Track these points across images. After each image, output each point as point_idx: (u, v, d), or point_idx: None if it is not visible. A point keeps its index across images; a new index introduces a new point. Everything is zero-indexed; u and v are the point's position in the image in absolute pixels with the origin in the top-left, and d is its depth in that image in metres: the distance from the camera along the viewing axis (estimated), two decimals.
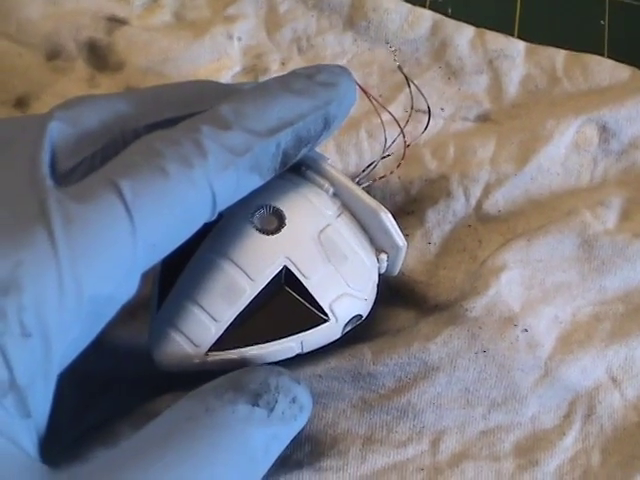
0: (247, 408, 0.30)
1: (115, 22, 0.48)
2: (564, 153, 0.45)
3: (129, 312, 0.40)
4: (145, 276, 0.29)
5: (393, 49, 0.48)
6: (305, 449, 0.38)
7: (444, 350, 0.40)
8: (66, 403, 0.38)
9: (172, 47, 0.47)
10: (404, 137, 0.39)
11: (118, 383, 0.39)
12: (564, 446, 0.39)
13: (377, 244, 0.37)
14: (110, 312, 0.29)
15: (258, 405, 0.30)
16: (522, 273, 0.42)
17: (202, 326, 0.34)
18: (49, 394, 0.28)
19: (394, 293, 0.42)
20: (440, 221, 0.44)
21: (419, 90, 0.41)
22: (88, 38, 0.48)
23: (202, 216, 0.30)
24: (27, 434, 0.27)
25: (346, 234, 0.36)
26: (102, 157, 0.30)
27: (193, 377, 0.33)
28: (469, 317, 0.40)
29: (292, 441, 0.38)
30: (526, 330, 0.40)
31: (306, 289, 0.34)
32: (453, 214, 0.44)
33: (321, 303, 0.35)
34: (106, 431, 0.36)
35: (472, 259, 0.43)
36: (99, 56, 0.48)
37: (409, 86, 0.41)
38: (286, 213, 0.35)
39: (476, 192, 0.44)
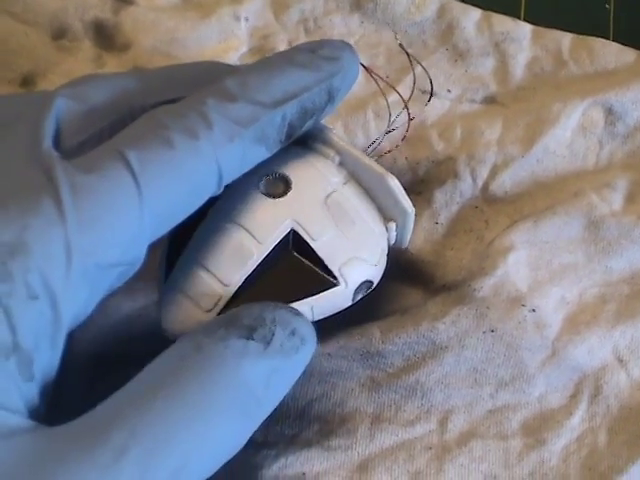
0: (241, 342, 0.29)
1: (122, 2, 0.48)
2: (570, 136, 0.45)
3: (139, 290, 0.40)
4: (152, 248, 0.29)
5: (395, 33, 0.48)
6: (314, 428, 0.38)
7: (452, 329, 0.40)
8: (75, 384, 0.38)
9: (179, 27, 0.47)
10: (408, 110, 0.39)
11: (128, 364, 0.38)
12: (571, 426, 0.39)
13: (385, 213, 0.37)
14: (117, 279, 0.29)
15: (253, 339, 0.29)
16: (529, 254, 0.42)
17: (211, 290, 0.33)
18: (56, 358, 0.27)
19: (402, 272, 0.42)
20: (447, 202, 0.44)
21: (421, 65, 0.41)
22: (95, 18, 0.47)
23: (208, 188, 0.30)
24: (26, 397, 0.26)
25: (353, 201, 0.36)
26: (110, 133, 0.30)
27: None
28: (477, 297, 0.40)
29: (300, 419, 0.38)
30: (534, 310, 0.40)
31: (314, 252, 0.34)
32: (460, 195, 0.44)
33: (330, 266, 0.34)
34: None
35: (479, 240, 0.43)
36: (106, 36, 0.47)
37: (411, 63, 0.40)
38: (292, 179, 0.35)
39: (483, 173, 0.44)
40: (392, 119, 0.39)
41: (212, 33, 0.47)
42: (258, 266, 0.33)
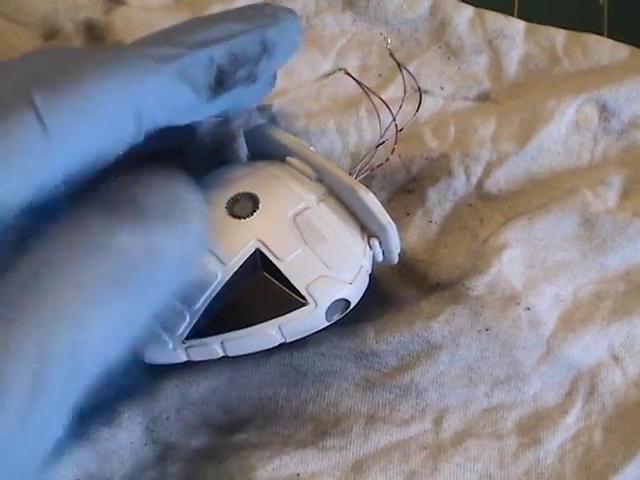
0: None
1: (113, 2, 0.47)
2: (565, 132, 0.45)
3: None
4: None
5: (384, 36, 0.47)
6: (308, 428, 0.38)
7: (447, 328, 0.39)
8: None
9: None
10: (396, 123, 0.38)
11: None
12: (566, 424, 0.39)
13: (368, 230, 0.36)
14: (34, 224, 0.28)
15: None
16: (524, 252, 0.41)
17: (177, 314, 0.33)
18: None
19: (395, 271, 0.42)
20: (441, 200, 0.43)
21: (409, 72, 0.40)
22: (86, 18, 0.47)
23: (125, 126, 0.29)
24: None
25: (328, 218, 0.35)
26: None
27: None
28: (471, 296, 0.40)
29: (294, 420, 0.37)
30: (528, 309, 0.40)
31: (280, 272, 0.34)
32: (454, 193, 0.43)
33: (297, 285, 0.34)
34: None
35: (473, 238, 0.42)
36: (97, 36, 0.47)
37: (401, 72, 0.40)
38: (261, 197, 0.35)
39: (477, 171, 0.44)
40: (382, 132, 0.39)
41: None
42: (223, 288, 0.33)
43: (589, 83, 0.46)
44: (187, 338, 0.33)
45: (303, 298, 0.34)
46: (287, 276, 0.34)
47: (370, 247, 0.36)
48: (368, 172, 0.39)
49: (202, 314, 0.33)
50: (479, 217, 0.43)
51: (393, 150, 0.38)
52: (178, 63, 0.29)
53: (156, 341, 0.34)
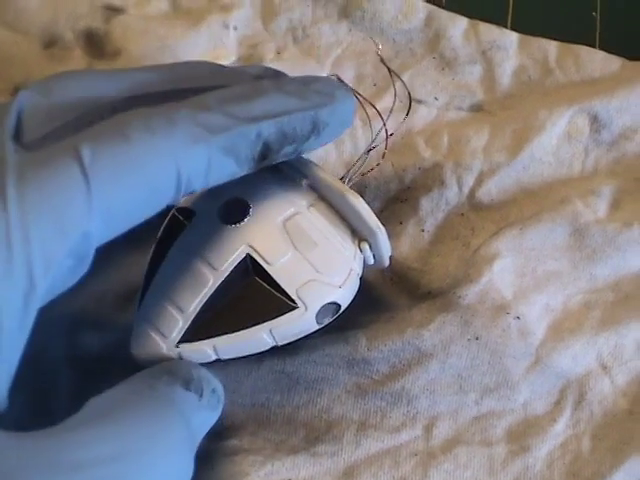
0: (182, 390, 0.30)
1: (112, 11, 0.47)
2: (556, 143, 0.45)
3: (125, 297, 0.39)
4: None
5: (375, 42, 0.47)
6: (300, 434, 0.38)
7: (437, 337, 0.39)
8: (64, 384, 0.38)
9: (169, 35, 0.46)
10: (386, 129, 0.38)
11: (117, 366, 0.38)
12: (555, 432, 0.39)
13: (358, 234, 0.36)
14: (66, 277, 0.28)
15: (190, 390, 0.31)
16: (515, 261, 0.41)
17: (170, 318, 0.34)
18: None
19: (387, 279, 0.42)
20: (433, 209, 0.43)
21: (401, 80, 0.40)
22: (85, 27, 0.47)
23: (166, 190, 0.28)
24: None
25: (318, 223, 0.35)
26: (75, 128, 0.29)
27: None
28: (462, 304, 0.40)
29: (286, 426, 0.38)
30: (518, 318, 0.40)
31: (270, 276, 0.34)
32: (446, 202, 0.43)
33: (286, 289, 0.34)
34: None
35: (465, 247, 0.42)
36: (96, 44, 0.47)
37: (392, 80, 0.40)
38: (252, 203, 0.35)
39: (469, 181, 0.44)
40: (373, 137, 0.39)
41: (201, 41, 0.47)
42: (215, 293, 0.34)
43: (581, 94, 0.46)
44: (180, 342, 0.34)
45: (293, 302, 0.34)
46: (277, 280, 0.34)
47: (361, 250, 0.36)
48: (359, 178, 0.39)
49: (194, 318, 0.34)
50: (471, 226, 0.43)
51: (384, 155, 0.38)
52: (227, 136, 0.29)
53: (149, 345, 0.34)
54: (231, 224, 0.35)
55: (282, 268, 0.34)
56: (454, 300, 0.40)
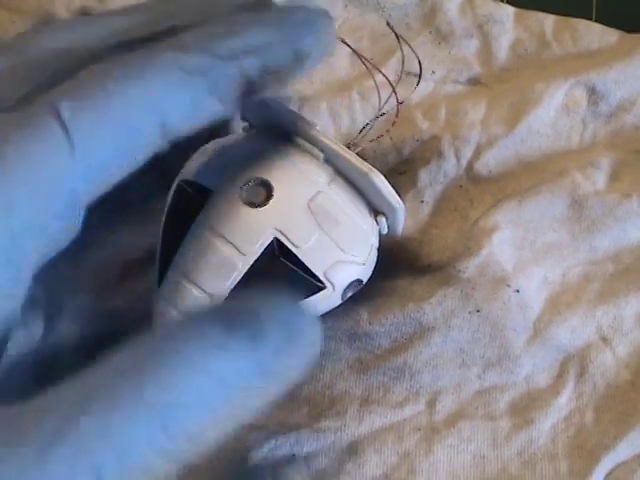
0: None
1: None
2: (554, 115, 0.44)
3: (122, 276, 0.39)
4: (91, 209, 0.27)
5: (382, 12, 0.47)
6: (303, 410, 0.38)
7: (439, 310, 0.39)
8: (64, 366, 0.37)
9: None
10: (397, 96, 0.37)
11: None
12: (558, 405, 0.38)
13: (375, 207, 0.36)
14: (57, 237, 0.27)
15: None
16: (513, 233, 0.41)
17: (197, 302, 0.32)
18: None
19: (387, 252, 0.41)
20: (432, 181, 0.43)
21: (409, 45, 0.40)
22: (80, 6, 0.46)
23: (151, 139, 0.27)
24: None
25: (339, 200, 0.34)
26: (52, 85, 0.28)
27: None
28: (462, 278, 0.39)
29: (289, 402, 0.37)
30: (517, 291, 0.39)
31: (299, 259, 0.33)
32: (444, 175, 0.43)
33: (315, 271, 0.33)
34: None
35: (464, 218, 0.42)
36: None
37: (399, 41, 0.39)
38: (274, 184, 0.34)
39: (467, 153, 0.43)
40: (382, 103, 0.38)
41: None
42: (245, 277, 0.33)
43: (578, 67, 0.45)
44: None
45: (321, 282, 0.33)
46: (306, 263, 0.33)
47: (377, 223, 0.36)
48: (361, 148, 0.38)
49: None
50: (469, 198, 0.42)
51: (394, 123, 0.38)
52: (210, 76, 0.28)
53: None
54: (256, 207, 0.33)
55: (309, 250, 0.33)
56: (454, 274, 0.39)
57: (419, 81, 0.40)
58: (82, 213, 0.27)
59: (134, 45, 0.28)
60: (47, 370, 0.37)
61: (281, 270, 0.33)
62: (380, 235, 0.36)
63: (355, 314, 0.39)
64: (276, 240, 0.33)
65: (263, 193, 0.34)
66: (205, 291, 0.33)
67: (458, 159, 0.43)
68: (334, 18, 0.32)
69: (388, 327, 0.39)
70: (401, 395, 0.38)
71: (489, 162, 0.43)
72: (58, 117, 0.25)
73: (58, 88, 0.26)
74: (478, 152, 0.43)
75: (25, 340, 0.38)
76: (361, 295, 0.39)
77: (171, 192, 0.35)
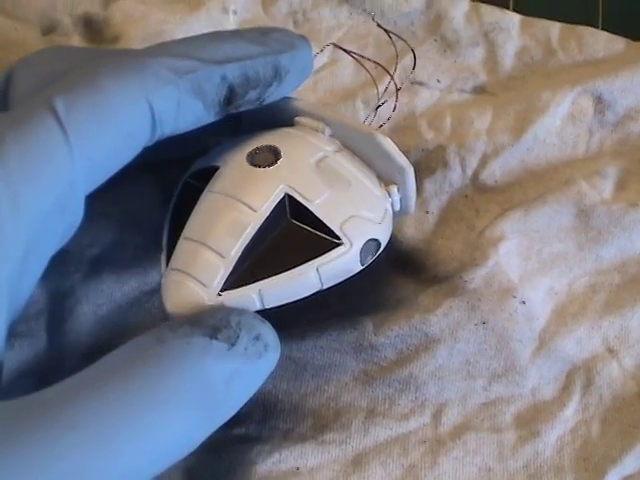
0: (204, 340, 0.27)
1: None
2: (560, 124, 0.43)
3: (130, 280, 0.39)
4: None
5: (372, 14, 0.46)
6: (308, 422, 0.37)
7: (444, 322, 0.38)
8: (65, 355, 0.38)
9: (168, 20, 0.44)
10: (396, 85, 0.38)
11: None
12: (564, 417, 0.37)
13: (385, 178, 0.35)
14: (60, 231, 0.28)
15: (217, 338, 0.28)
16: (520, 243, 0.40)
17: (210, 265, 0.31)
18: None
19: (393, 262, 0.40)
20: (437, 191, 0.42)
21: (401, 38, 0.41)
22: (84, 12, 0.45)
23: (142, 132, 0.29)
24: None
25: (347, 165, 0.34)
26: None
27: None
28: (468, 289, 0.38)
29: (294, 414, 0.36)
30: (524, 302, 0.38)
31: (312, 213, 0.32)
32: (450, 184, 0.42)
33: (330, 225, 0.32)
34: None
35: (469, 229, 0.41)
36: (95, 30, 0.45)
37: (390, 38, 0.39)
38: (281, 149, 0.33)
39: (473, 162, 0.42)
40: (381, 99, 0.38)
41: (201, 26, 0.45)
42: (256, 235, 0.31)
43: (584, 75, 0.44)
44: (222, 290, 0.31)
45: (338, 238, 0.32)
46: (320, 218, 0.32)
47: (389, 194, 0.35)
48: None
49: (237, 263, 0.31)
50: (475, 208, 0.42)
51: (394, 108, 0.38)
52: (194, 77, 0.29)
53: (187, 296, 0.31)
54: (264, 167, 0.33)
55: (323, 205, 0.32)
56: (460, 285, 0.38)
57: (414, 67, 0.39)
58: (82, 204, 0.28)
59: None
60: (50, 380, 0.36)
61: (297, 227, 0.32)
62: (393, 210, 0.35)
63: (360, 325, 0.38)
64: (288, 199, 0.32)
65: (271, 156, 0.33)
66: (217, 252, 0.31)
67: (464, 169, 0.42)
68: (310, 45, 0.34)
69: (394, 339, 0.38)
70: (406, 407, 0.37)
71: (495, 171, 0.42)
72: (54, 113, 0.26)
73: (53, 86, 0.28)
74: (484, 161, 0.42)
75: (29, 350, 0.37)
76: (366, 306, 0.39)
77: (177, 191, 0.34)
